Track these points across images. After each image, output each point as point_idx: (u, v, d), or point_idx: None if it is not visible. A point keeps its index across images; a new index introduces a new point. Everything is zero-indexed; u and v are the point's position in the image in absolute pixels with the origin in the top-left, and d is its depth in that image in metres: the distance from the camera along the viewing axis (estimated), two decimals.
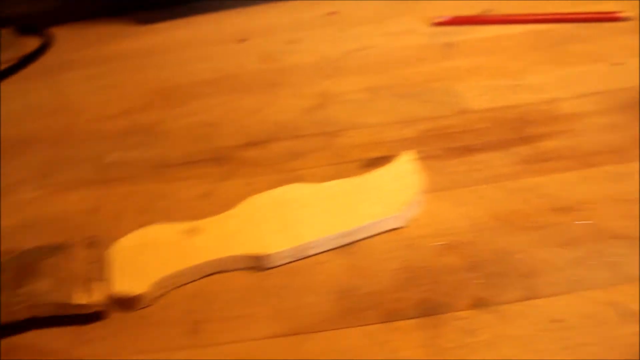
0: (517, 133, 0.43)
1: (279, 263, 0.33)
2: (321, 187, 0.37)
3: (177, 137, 0.50)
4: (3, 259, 0.33)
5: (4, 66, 0.73)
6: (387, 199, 0.36)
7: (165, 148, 0.48)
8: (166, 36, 0.79)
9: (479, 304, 0.29)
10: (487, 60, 0.55)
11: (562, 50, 0.55)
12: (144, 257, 0.34)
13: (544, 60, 0.54)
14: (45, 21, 0.89)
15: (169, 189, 0.42)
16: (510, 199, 0.36)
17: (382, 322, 0.29)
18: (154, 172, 0.45)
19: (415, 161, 0.39)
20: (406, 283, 0.31)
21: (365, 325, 0.29)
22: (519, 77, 0.51)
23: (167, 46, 0.74)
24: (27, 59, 0.75)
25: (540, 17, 0.63)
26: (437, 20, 0.66)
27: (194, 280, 0.33)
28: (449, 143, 0.42)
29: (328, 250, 0.34)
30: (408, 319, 0.29)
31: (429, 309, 0.29)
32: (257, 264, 0.33)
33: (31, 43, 0.81)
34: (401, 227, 0.35)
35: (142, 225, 0.36)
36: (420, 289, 0.30)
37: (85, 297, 0.31)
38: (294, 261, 0.34)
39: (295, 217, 0.35)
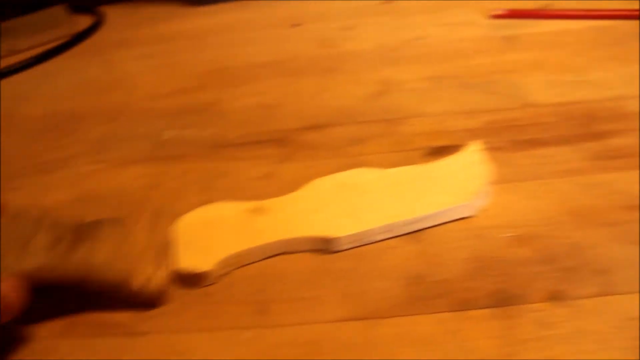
0: (585, 129, 0.42)
1: (345, 247, 0.33)
2: (387, 173, 0.37)
3: (233, 118, 0.50)
4: (62, 224, 0.32)
5: (57, 43, 0.74)
6: (456, 187, 0.35)
7: (222, 128, 0.48)
8: (218, 19, 0.79)
9: (554, 297, 0.28)
10: (549, 55, 0.54)
11: (625, 47, 0.54)
12: (209, 235, 0.34)
13: (606, 57, 0.52)
14: (97, 0, 0.90)
15: (229, 168, 0.42)
16: (581, 194, 0.35)
17: (453, 311, 0.29)
18: (212, 151, 0.45)
19: (483, 152, 0.38)
20: (476, 273, 0.31)
21: (436, 312, 0.29)
22: (582, 73, 0.50)
23: (219, 28, 0.74)
24: (79, 37, 0.76)
25: (601, 12, 0.62)
26: (494, 13, 0.65)
27: (259, 260, 0.33)
28: (515, 136, 0.42)
29: (395, 237, 0.33)
30: (480, 308, 0.28)
31: (502, 300, 0.29)
32: (324, 247, 0.33)
33: (83, 21, 0.82)
34: (470, 217, 0.34)
35: (203, 203, 0.36)
36: (492, 280, 0.30)
37: (143, 284, 0.30)
38: (359, 246, 0.33)
39: (361, 202, 0.35)
